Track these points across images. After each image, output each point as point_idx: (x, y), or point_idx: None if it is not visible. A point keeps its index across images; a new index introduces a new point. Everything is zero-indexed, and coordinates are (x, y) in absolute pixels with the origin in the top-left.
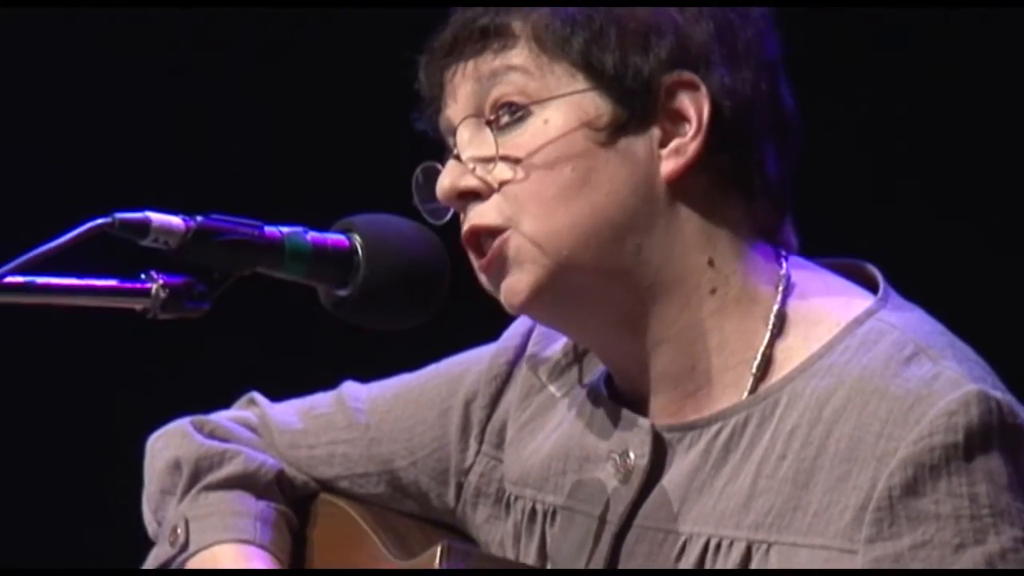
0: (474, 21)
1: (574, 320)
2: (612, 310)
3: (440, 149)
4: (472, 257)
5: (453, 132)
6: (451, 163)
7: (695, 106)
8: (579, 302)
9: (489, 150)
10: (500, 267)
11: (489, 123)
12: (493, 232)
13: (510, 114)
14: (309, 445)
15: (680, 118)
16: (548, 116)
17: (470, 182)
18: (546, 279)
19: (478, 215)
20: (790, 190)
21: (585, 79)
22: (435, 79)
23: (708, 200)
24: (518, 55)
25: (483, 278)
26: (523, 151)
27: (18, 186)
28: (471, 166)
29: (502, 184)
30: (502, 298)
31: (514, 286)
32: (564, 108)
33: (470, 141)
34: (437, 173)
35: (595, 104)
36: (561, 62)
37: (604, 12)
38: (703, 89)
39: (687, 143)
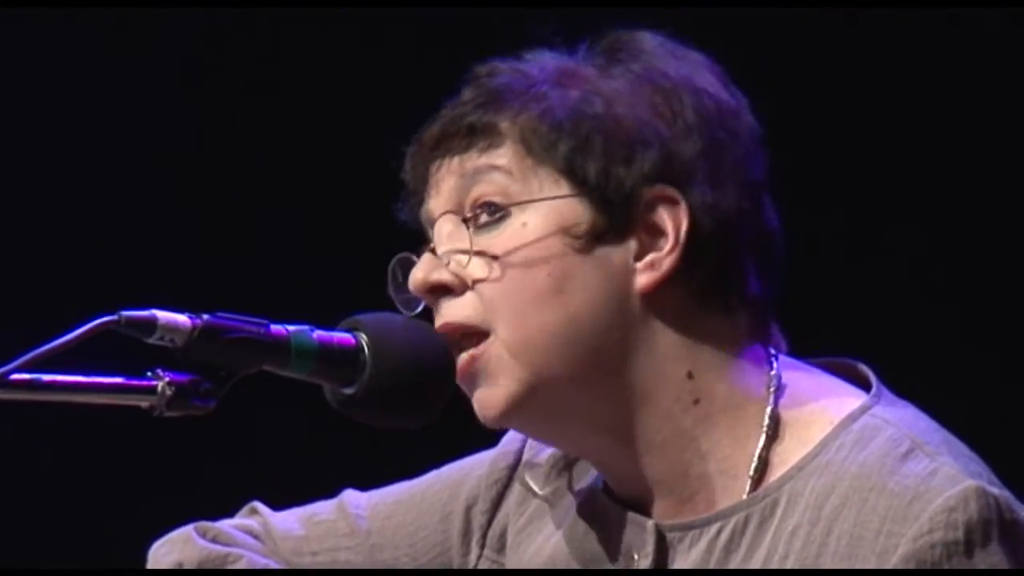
0: (463, 118)
1: (554, 431)
2: (592, 420)
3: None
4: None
5: (432, 225)
6: (426, 256)
7: (673, 221)
8: (556, 414)
9: (464, 247)
10: (474, 379)
11: (466, 220)
12: (467, 330)
13: (489, 214)
14: (312, 552)
15: (658, 232)
16: (527, 219)
17: (443, 276)
18: (521, 393)
19: (450, 311)
20: (772, 304)
21: (567, 185)
22: (420, 171)
23: (685, 314)
24: (503, 155)
25: (464, 383)
26: (499, 251)
27: (21, 280)
28: (446, 261)
29: (476, 282)
30: (477, 411)
31: (487, 400)
32: (544, 212)
33: (448, 236)
34: (412, 264)
35: (575, 211)
36: (545, 166)
37: (592, 119)
38: (683, 205)
39: (662, 257)
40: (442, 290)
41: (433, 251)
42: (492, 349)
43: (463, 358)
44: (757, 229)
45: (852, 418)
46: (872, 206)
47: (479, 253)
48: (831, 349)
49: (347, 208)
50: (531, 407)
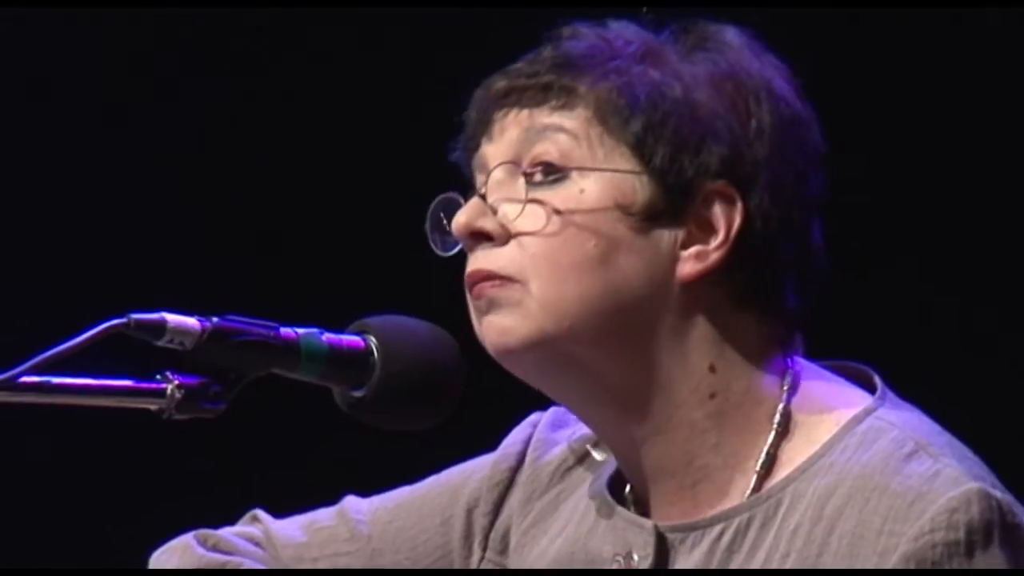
0: (539, 75)
1: (561, 389)
2: (602, 389)
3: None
4: (469, 297)
5: (486, 171)
6: (475, 200)
7: (727, 219)
8: (568, 372)
9: (518, 199)
10: (493, 303)
11: (526, 173)
12: (499, 280)
13: (548, 172)
14: (313, 558)
15: (709, 226)
16: (585, 186)
17: (488, 224)
18: (539, 338)
19: (487, 258)
20: (805, 318)
21: (632, 161)
22: (483, 116)
23: (719, 310)
24: (574, 118)
25: (473, 306)
26: (551, 212)
27: (28, 285)
28: (494, 209)
29: (521, 235)
30: (487, 334)
31: (506, 326)
32: (603, 183)
33: (500, 185)
34: (457, 206)
35: (634, 188)
36: (613, 138)
37: (670, 103)
38: (739, 205)
39: (710, 251)
40: (483, 237)
41: (482, 197)
42: (521, 291)
43: (497, 279)
44: (804, 244)
45: (857, 420)
46: (874, 208)
47: (532, 206)
48: (836, 351)
49: (358, 211)
50: (546, 354)
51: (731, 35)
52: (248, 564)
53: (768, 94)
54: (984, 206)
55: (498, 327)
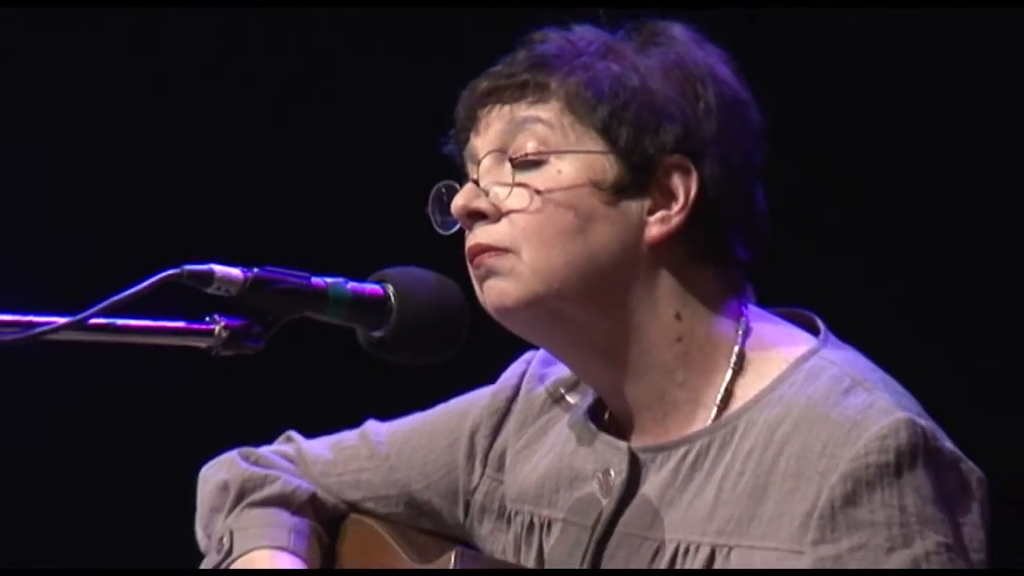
0: (516, 74)
1: (551, 338)
2: (586, 340)
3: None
4: (471, 271)
5: (476, 160)
6: (469, 185)
7: (684, 187)
8: (557, 325)
9: (506, 182)
10: (491, 270)
11: (512, 160)
12: (494, 251)
13: (528, 158)
14: (338, 473)
15: (670, 194)
16: (562, 167)
17: (481, 204)
18: (532, 298)
19: (485, 234)
20: (752, 268)
21: (601, 143)
22: (470, 113)
23: (681, 266)
24: (548, 110)
25: (474, 275)
26: (536, 190)
27: (96, 239)
28: (486, 191)
29: (511, 212)
30: (487, 296)
31: (504, 288)
32: (577, 164)
33: (489, 171)
34: (454, 192)
35: (604, 166)
36: (583, 124)
37: (630, 91)
38: (694, 175)
39: (672, 216)
40: (479, 216)
41: (475, 182)
42: (514, 259)
43: (494, 250)
44: (750, 206)
45: (803, 359)
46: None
47: (519, 188)
48: (787, 299)
49: (379, 181)
50: (537, 312)
51: (677, 30)
52: (284, 478)
53: (712, 79)
54: (915, 159)
55: (496, 290)
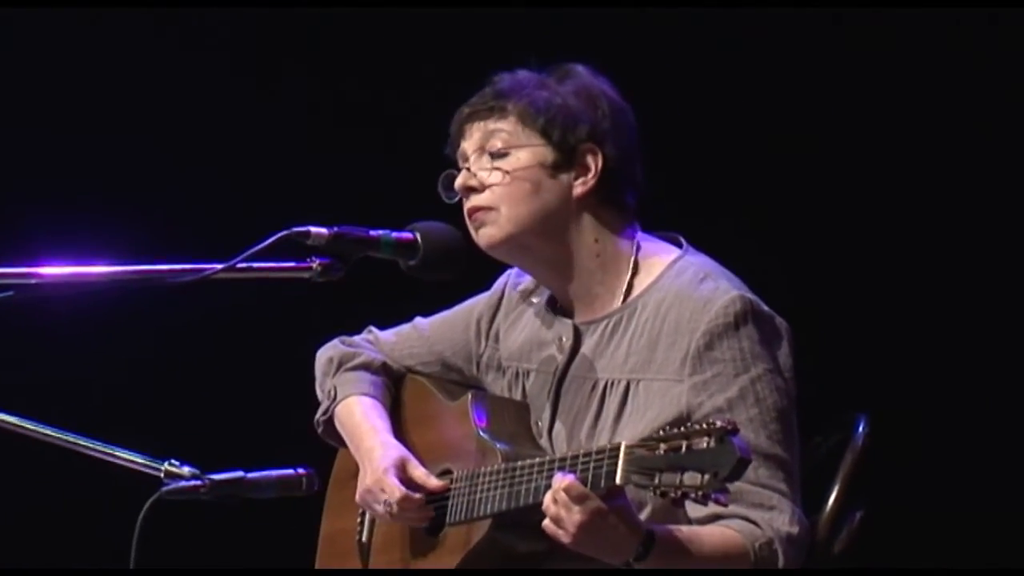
0: (485, 102)
1: (522, 260)
2: (543, 259)
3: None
4: (469, 224)
5: (466, 156)
6: (464, 171)
7: (595, 163)
8: (524, 252)
9: (486, 167)
10: (482, 222)
11: (490, 154)
12: (483, 210)
13: (499, 153)
14: (400, 349)
15: (586, 168)
16: (520, 156)
17: (472, 182)
18: (507, 238)
19: (476, 200)
20: (638, 208)
21: (542, 140)
22: (459, 128)
23: (597, 210)
24: (508, 123)
25: (470, 226)
26: (504, 173)
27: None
28: (475, 174)
29: (491, 185)
30: (480, 238)
31: (491, 233)
32: (529, 153)
33: (475, 161)
34: (453, 177)
35: (544, 154)
36: (531, 129)
37: (556, 107)
38: (600, 155)
39: (589, 180)
40: (471, 190)
41: (468, 169)
42: (495, 216)
43: (482, 210)
44: (635, 171)
45: (674, 262)
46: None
47: (495, 171)
48: (662, 227)
49: (414, 166)
50: (512, 246)
51: (581, 68)
52: (366, 352)
53: (604, 96)
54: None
55: (486, 235)
